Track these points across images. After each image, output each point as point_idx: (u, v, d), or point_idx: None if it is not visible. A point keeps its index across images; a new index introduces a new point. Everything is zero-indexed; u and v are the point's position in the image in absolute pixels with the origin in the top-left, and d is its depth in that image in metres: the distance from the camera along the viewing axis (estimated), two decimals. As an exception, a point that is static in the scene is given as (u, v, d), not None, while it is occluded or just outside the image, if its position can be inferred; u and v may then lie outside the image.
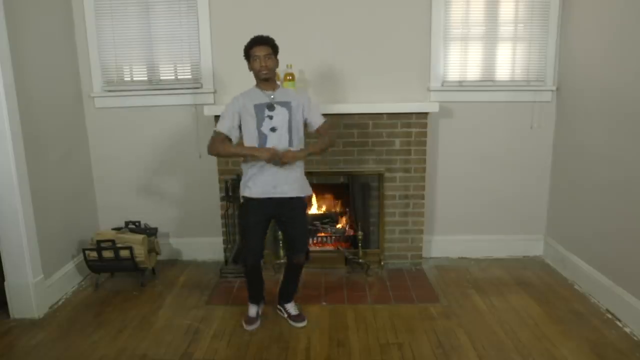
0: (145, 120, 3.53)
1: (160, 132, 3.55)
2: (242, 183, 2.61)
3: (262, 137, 2.49)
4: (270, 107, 2.50)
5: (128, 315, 2.86)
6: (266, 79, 2.51)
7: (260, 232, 2.60)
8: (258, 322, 2.71)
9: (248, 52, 2.50)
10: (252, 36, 2.49)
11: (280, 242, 3.45)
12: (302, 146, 2.58)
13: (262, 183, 2.51)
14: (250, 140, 2.52)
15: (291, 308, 2.79)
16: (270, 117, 2.49)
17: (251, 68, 2.52)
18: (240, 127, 2.55)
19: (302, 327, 2.69)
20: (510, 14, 3.38)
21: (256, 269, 2.67)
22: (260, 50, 2.45)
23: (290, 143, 2.52)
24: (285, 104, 2.52)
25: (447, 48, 3.42)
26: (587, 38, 3.08)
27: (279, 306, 2.84)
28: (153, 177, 3.63)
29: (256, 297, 2.76)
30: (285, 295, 2.81)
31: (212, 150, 2.56)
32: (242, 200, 2.64)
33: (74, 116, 3.41)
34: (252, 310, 2.75)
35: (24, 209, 2.76)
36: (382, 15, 3.34)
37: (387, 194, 3.42)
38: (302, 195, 2.59)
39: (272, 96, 2.51)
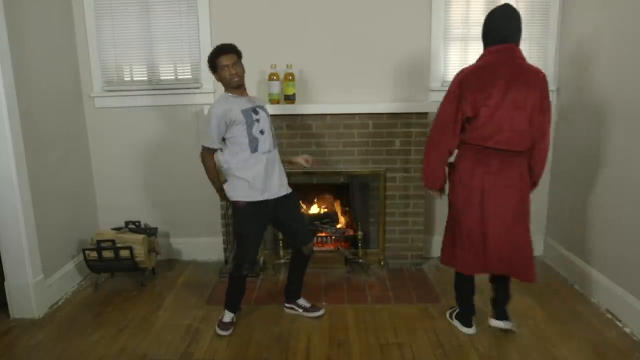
0: (145, 120, 3.53)
1: (160, 132, 3.55)
2: (236, 188, 2.54)
3: (254, 141, 2.48)
4: (255, 110, 2.51)
5: (128, 315, 2.86)
6: (238, 86, 2.50)
7: (259, 239, 2.66)
8: (232, 328, 2.66)
9: (214, 62, 2.46)
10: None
11: (281, 242, 3.45)
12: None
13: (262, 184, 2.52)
14: (239, 146, 2.47)
15: (304, 302, 2.83)
16: (258, 121, 2.50)
17: (220, 78, 2.49)
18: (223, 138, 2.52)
19: (318, 317, 2.76)
20: (510, 14, 3.38)
21: (245, 278, 2.66)
22: (227, 59, 2.44)
23: (273, 144, 2.56)
24: (262, 108, 2.58)
25: (447, 48, 3.42)
26: (587, 38, 3.08)
27: (289, 305, 2.84)
28: (153, 177, 3.63)
29: (237, 306, 2.73)
30: (294, 293, 2.84)
31: (207, 171, 2.63)
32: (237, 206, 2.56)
33: (74, 116, 3.41)
34: (228, 316, 2.70)
35: (24, 208, 2.76)
36: (382, 15, 3.34)
37: (387, 194, 3.42)
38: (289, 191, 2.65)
39: (252, 100, 2.54)
